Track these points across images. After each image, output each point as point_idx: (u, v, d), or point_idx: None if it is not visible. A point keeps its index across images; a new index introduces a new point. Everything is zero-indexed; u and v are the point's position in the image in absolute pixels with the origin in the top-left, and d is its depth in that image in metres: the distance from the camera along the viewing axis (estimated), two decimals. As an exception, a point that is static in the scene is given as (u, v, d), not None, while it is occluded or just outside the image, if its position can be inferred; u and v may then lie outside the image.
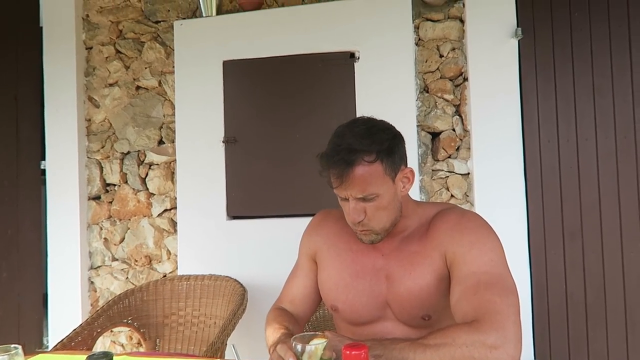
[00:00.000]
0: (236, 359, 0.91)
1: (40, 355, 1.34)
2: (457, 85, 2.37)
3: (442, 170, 2.35)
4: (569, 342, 2.20)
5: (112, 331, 2.53)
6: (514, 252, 2.16)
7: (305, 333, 0.98)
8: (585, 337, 2.19)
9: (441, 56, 2.39)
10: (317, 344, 0.93)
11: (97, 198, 2.80)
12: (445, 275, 1.16)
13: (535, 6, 2.28)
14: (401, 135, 1.20)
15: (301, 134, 2.44)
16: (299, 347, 0.94)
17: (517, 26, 2.24)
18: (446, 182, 2.35)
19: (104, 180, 2.79)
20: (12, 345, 1.05)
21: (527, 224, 2.22)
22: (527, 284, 2.20)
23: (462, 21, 2.37)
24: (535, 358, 2.20)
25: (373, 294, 1.22)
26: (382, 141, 1.12)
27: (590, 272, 2.19)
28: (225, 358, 1.70)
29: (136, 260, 2.71)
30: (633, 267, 2.15)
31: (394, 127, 1.20)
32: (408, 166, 1.20)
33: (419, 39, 2.41)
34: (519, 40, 2.26)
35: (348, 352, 0.87)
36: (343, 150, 1.10)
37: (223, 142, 2.51)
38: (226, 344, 1.85)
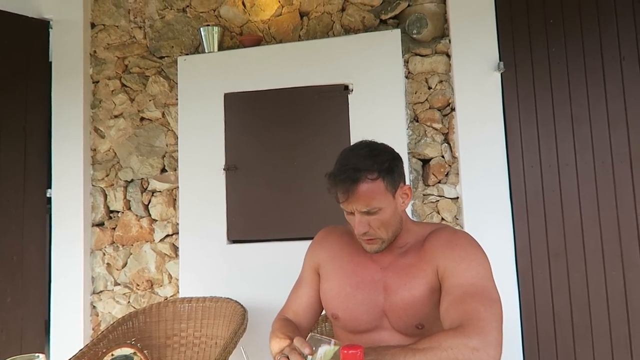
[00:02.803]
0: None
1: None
2: (445, 115, 2.52)
3: (433, 194, 2.47)
4: (557, 358, 2.28)
5: (112, 355, 2.58)
6: (502, 272, 2.27)
7: (322, 337, 1.06)
8: (573, 354, 2.27)
9: (430, 88, 2.54)
10: (332, 348, 1.01)
11: (100, 224, 2.89)
12: (437, 287, 1.27)
13: (515, 42, 2.44)
14: (400, 156, 1.34)
15: (298, 161, 2.56)
16: (316, 345, 1.02)
17: (500, 60, 2.40)
18: (437, 206, 2.47)
19: (108, 207, 2.88)
20: (35, 354, 1.13)
21: (514, 245, 2.33)
22: (516, 303, 2.29)
23: (448, 56, 2.53)
24: (526, 376, 2.27)
25: (372, 304, 1.32)
26: (383, 161, 1.25)
27: (575, 291, 2.29)
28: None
29: (138, 285, 2.78)
30: (615, 286, 2.25)
31: (393, 150, 1.34)
32: (406, 184, 1.34)
33: (409, 72, 2.57)
34: (501, 73, 2.41)
35: (346, 351, 0.95)
36: (349, 170, 1.23)
37: (224, 169, 2.62)
38: (228, 363, 1.91)
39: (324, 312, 1.96)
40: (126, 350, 2.03)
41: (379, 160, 1.25)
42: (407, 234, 1.36)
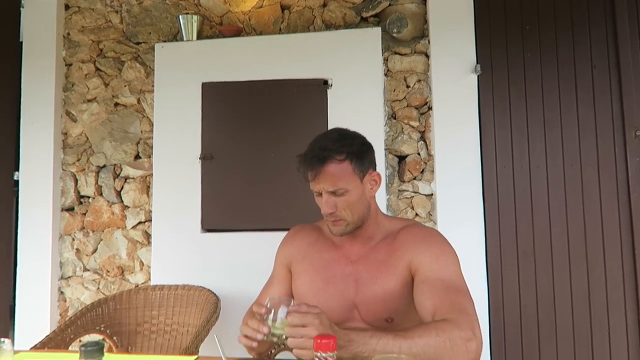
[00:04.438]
0: (219, 349, 0.99)
1: (20, 354, 1.37)
2: (422, 114, 2.56)
3: (408, 190, 2.51)
4: (522, 353, 2.35)
5: (80, 340, 2.52)
6: (472, 269, 2.34)
7: (282, 297, 1.09)
8: (537, 348, 2.34)
9: (408, 86, 2.58)
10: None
11: (70, 209, 2.82)
12: (408, 282, 1.30)
13: (492, 46, 2.51)
14: (370, 144, 1.36)
15: (275, 154, 2.56)
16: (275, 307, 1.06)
17: (477, 62, 2.46)
18: (411, 201, 2.51)
19: (78, 192, 2.82)
20: (1, 339, 1.09)
21: (484, 242, 2.39)
22: (485, 298, 2.35)
23: (427, 56, 2.58)
24: (491, 370, 2.34)
25: (342, 298, 1.34)
26: (352, 145, 1.30)
27: (541, 288, 2.36)
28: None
29: (108, 271, 2.72)
30: (579, 284, 2.34)
31: (365, 138, 1.37)
32: (376, 171, 1.36)
33: (388, 70, 2.60)
34: (478, 76, 2.47)
35: (319, 341, 0.96)
36: (318, 150, 1.27)
37: (200, 158, 2.60)
38: (199, 351, 1.90)
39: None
40: (95, 337, 1.99)
41: (347, 143, 1.29)
42: (378, 226, 1.38)
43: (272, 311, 1.06)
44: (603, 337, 2.30)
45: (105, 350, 0.96)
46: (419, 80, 2.57)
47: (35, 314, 2.69)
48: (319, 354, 0.93)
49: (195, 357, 1.28)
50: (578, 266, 2.35)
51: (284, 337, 1.04)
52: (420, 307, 1.23)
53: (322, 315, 1.03)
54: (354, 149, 1.29)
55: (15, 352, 1.17)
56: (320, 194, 1.30)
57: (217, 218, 2.58)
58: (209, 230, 2.58)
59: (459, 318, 1.12)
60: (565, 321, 2.33)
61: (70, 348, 1.98)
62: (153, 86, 2.73)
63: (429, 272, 1.25)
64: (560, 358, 2.32)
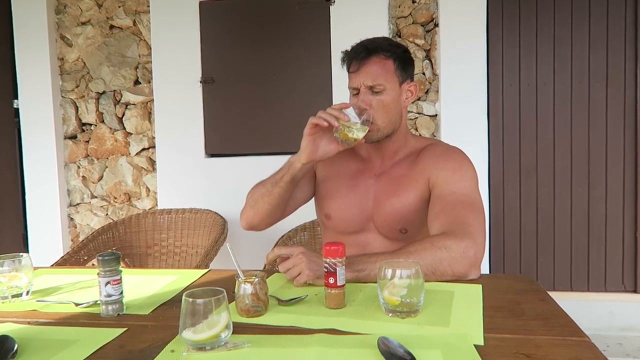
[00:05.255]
0: (232, 258, 1.02)
1: (39, 269, 1.42)
2: (428, 31, 2.48)
3: (412, 112, 2.48)
4: (520, 268, 2.43)
5: (93, 264, 2.62)
6: (475, 188, 2.36)
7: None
8: (535, 263, 2.42)
9: (414, 2, 2.47)
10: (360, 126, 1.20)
11: (73, 137, 2.81)
12: (426, 197, 1.33)
13: (503, -42, 2.37)
14: (413, 58, 1.37)
15: (278, 75, 2.51)
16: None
17: (486, -25, 2.34)
18: (415, 123, 2.49)
19: (80, 120, 2.80)
20: (20, 254, 1.13)
21: (488, 162, 2.39)
22: (486, 216, 2.38)
23: (434, -32, 2.45)
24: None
25: (361, 209, 1.37)
26: (399, 48, 1.32)
27: (542, 205, 2.40)
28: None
29: (115, 198, 2.77)
30: (579, 201, 2.37)
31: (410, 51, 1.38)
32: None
33: (393, -16, 2.48)
34: (487, -9, 2.36)
35: (328, 247, 0.98)
36: (367, 42, 1.31)
37: (201, 82, 2.55)
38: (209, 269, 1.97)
39: (302, 222, 2.02)
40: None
41: (395, 45, 1.33)
42: (405, 141, 1.39)
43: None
44: (600, 251, 2.37)
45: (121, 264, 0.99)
46: (425, -5, 2.46)
47: (47, 240, 2.76)
48: (328, 260, 0.95)
49: (207, 270, 1.32)
50: (579, 184, 2.37)
51: (352, 140, 1.19)
52: (430, 223, 1.26)
53: (306, 252, 1.09)
54: (400, 52, 1.31)
55: (35, 268, 1.22)
56: (357, 92, 1.30)
57: (220, 143, 2.57)
58: (212, 156, 2.58)
59: (458, 229, 1.15)
60: (564, 236, 2.39)
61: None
62: (149, 6, 2.62)
63: (444, 185, 1.28)
64: (557, 270, 2.40)
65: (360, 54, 1.28)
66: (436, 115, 2.47)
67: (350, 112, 1.21)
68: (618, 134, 2.33)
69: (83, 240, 2.09)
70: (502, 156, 2.41)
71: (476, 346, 0.75)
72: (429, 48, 2.47)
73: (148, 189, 2.74)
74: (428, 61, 2.48)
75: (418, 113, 2.48)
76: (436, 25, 2.44)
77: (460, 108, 2.39)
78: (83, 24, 2.78)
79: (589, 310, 2.31)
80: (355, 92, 1.31)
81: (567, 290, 2.39)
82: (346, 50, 1.33)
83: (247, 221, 1.41)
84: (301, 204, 1.48)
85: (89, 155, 2.80)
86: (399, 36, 2.48)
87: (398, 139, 1.37)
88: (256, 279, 0.92)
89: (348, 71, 1.32)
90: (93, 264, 2.62)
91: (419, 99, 2.48)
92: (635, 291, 2.35)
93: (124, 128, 2.76)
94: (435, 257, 1.09)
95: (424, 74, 2.48)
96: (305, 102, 2.48)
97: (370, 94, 1.28)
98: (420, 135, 2.47)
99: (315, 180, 1.47)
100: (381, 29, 2.41)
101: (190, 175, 2.59)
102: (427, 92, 2.48)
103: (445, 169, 1.30)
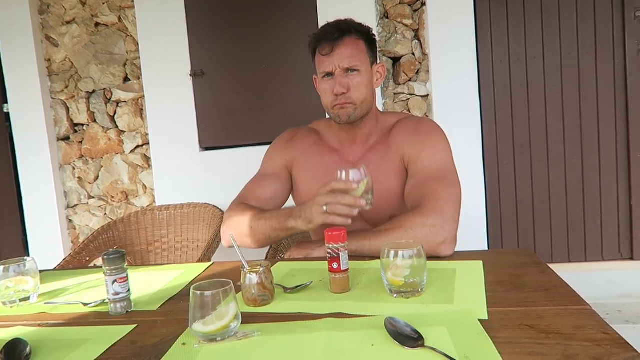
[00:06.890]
0: (236, 249, 1.03)
1: (44, 273, 1.42)
2: (415, 10, 2.46)
3: (404, 93, 2.48)
4: (518, 243, 2.46)
5: (95, 265, 2.63)
6: (470, 165, 2.37)
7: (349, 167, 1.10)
8: (533, 237, 2.45)
9: (399, -18, 2.46)
10: (365, 180, 1.07)
11: (66, 139, 2.80)
12: (404, 176, 1.34)
13: None
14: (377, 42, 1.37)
15: (268, 64, 2.50)
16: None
17: (470, -51, 2.33)
18: (407, 104, 2.49)
19: (72, 120, 2.79)
20: (24, 257, 1.13)
21: (481, 138, 2.40)
22: (482, 193, 2.41)
23: (418, -54, 2.43)
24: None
25: None
26: (367, 29, 1.32)
27: (537, 179, 2.42)
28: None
29: (112, 197, 2.77)
30: (574, 172, 2.39)
31: None
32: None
33: (378, -34, 2.47)
34: (472, -36, 2.35)
35: (330, 233, 0.99)
36: (339, 22, 1.28)
37: (190, 75, 2.54)
38: (212, 262, 1.98)
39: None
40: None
41: (363, 26, 1.32)
42: (376, 122, 1.39)
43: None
44: (595, 219, 2.39)
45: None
46: (411, -25, 2.44)
47: (47, 244, 2.77)
48: (330, 246, 0.96)
49: (211, 263, 1.33)
50: (573, 154, 2.38)
51: (369, 200, 1.07)
52: (406, 201, 1.29)
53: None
54: (369, 33, 1.32)
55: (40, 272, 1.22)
56: (330, 75, 1.27)
57: (214, 136, 2.57)
58: (207, 149, 2.58)
59: (427, 205, 1.16)
60: (560, 207, 2.41)
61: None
62: (133, 1, 2.60)
63: (416, 162, 1.30)
64: (555, 241, 2.43)
65: (334, 35, 1.25)
66: (428, 95, 2.48)
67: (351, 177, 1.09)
68: (609, 104, 2.34)
69: (84, 241, 2.09)
70: (495, 132, 2.42)
71: (481, 321, 0.77)
72: (417, 28, 2.47)
73: (145, 186, 2.74)
74: (417, 41, 2.47)
75: (410, 94, 2.48)
76: (423, 4, 2.43)
77: (452, 86, 2.39)
78: (68, 23, 2.75)
79: (587, 280, 2.34)
80: (326, 76, 1.28)
81: (565, 261, 2.42)
82: (313, 34, 1.29)
83: (228, 244, 1.35)
84: (282, 205, 1.47)
85: (83, 156, 2.79)
86: (387, 17, 2.47)
87: (370, 119, 1.37)
88: (261, 269, 0.93)
89: (316, 55, 1.29)
90: (95, 265, 2.63)
91: (409, 80, 2.48)
92: (632, 258, 2.38)
93: (117, 126, 2.74)
94: (403, 238, 1.11)
95: (413, 54, 2.47)
96: (297, 89, 2.47)
97: (346, 75, 1.27)
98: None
99: (292, 181, 1.47)
100: (368, 11, 2.40)
101: (186, 170, 2.59)
102: (417, 73, 2.48)
103: (416, 145, 1.31)
